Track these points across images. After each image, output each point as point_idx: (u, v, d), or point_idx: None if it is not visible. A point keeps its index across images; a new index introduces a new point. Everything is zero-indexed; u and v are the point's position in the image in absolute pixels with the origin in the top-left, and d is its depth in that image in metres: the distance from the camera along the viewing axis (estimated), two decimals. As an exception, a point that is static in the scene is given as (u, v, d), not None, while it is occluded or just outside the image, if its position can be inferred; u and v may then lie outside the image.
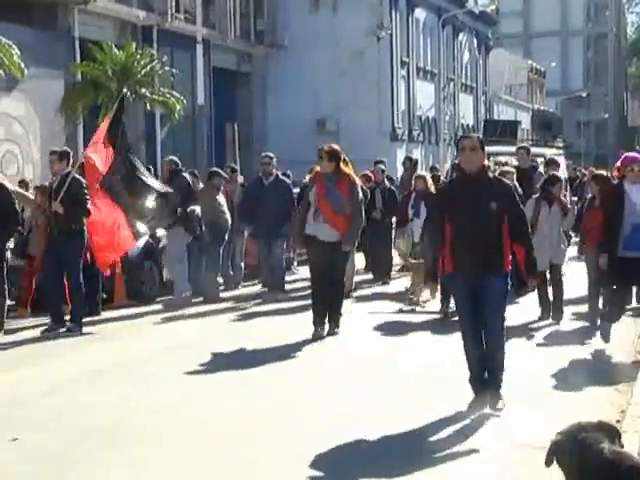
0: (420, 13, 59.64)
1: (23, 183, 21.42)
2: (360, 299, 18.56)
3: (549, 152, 25.72)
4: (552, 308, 15.38)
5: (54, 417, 9.97)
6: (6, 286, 15.44)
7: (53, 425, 9.65)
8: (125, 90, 24.85)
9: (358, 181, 14.93)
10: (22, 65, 27.48)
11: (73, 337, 15.06)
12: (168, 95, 35.52)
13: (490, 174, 9.98)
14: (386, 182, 21.37)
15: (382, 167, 22.20)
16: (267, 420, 9.67)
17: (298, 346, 13.66)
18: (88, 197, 15.35)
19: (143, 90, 34.70)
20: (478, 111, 71.09)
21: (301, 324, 14.73)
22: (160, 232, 19.13)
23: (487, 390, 9.75)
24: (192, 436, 9.08)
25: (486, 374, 9.81)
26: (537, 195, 15.35)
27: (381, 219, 20.36)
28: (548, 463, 5.67)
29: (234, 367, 12.29)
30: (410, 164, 24.29)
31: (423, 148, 58.27)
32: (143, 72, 34.64)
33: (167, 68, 36.15)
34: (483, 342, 9.75)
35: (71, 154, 16.13)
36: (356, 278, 19.26)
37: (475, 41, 70.87)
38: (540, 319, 15.39)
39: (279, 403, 10.43)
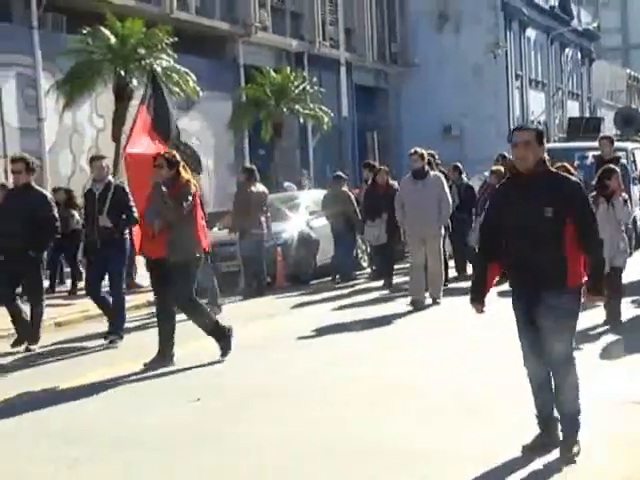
0: (531, 32, 59.00)
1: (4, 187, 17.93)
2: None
3: (631, 146, 24.06)
4: (608, 313, 11.99)
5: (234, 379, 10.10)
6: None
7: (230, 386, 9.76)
8: (155, 67, 24.16)
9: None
10: (197, 89, 27.97)
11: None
12: (317, 110, 35.79)
13: (552, 169, 6.91)
14: (464, 179, 19.52)
15: (457, 164, 19.96)
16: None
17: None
18: (133, 204, 12.46)
19: (297, 106, 35.10)
20: (583, 114, 69.96)
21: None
22: (316, 224, 19.40)
23: (555, 431, 6.87)
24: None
25: (555, 412, 6.87)
26: (594, 192, 11.93)
27: (458, 214, 17.51)
28: None
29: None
30: (503, 161, 22.69)
31: (536, 148, 57.40)
32: (296, 91, 35.02)
33: (316, 87, 36.42)
34: (546, 371, 6.84)
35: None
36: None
37: (579, 54, 69.91)
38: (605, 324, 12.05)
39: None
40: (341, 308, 15.23)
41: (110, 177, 13.37)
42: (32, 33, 28.27)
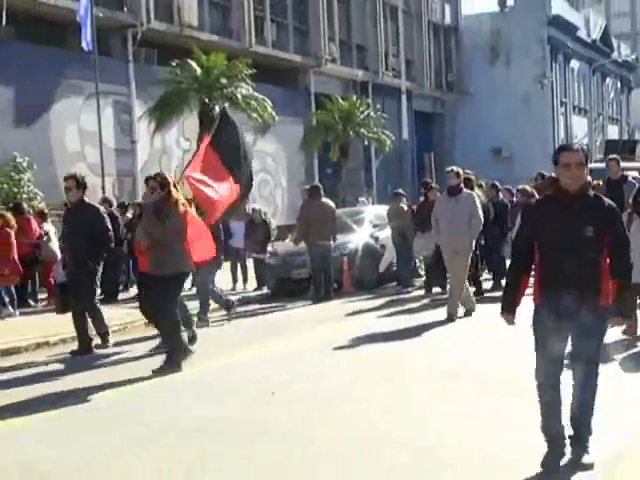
0: (574, 63, 58.50)
1: (107, 201, 18.38)
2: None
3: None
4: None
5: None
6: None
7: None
8: (227, 104, 24.02)
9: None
10: (273, 114, 28.13)
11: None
12: (380, 133, 35.81)
13: (590, 192, 6.22)
14: (500, 196, 18.15)
15: (494, 183, 18.80)
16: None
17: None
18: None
19: (362, 130, 35.13)
20: (622, 137, 69.23)
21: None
22: (379, 235, 19.38)
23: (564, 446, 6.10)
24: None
25: (570, 430, 6.10)
26: (629, 209, 11.22)
27: (492, 228, 16.69)
28: None
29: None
30: (542, 179, 21.28)
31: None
32: (361, 117, 35.05)
33: (379, 113, 36.38)
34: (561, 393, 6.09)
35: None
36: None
37: (619, 83, 69.25)
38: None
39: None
40: (395, 314, 14.96)
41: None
42: (128, 66, 28.70)
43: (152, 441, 7.31)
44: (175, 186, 10.66)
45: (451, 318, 13.44)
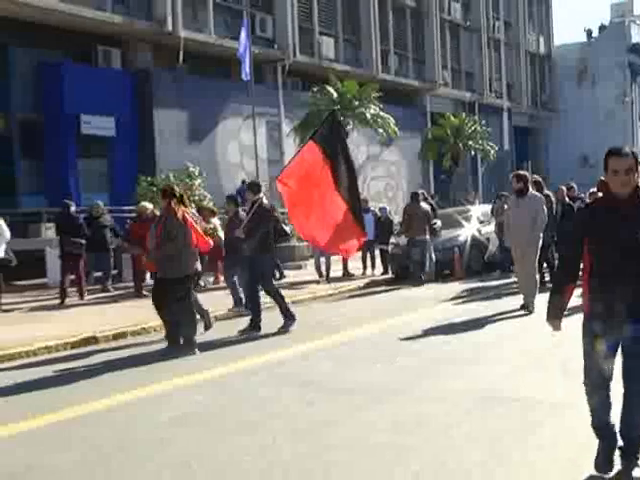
0: (652, 83, 56.79)
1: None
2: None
3: None
4: None
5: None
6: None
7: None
8: (337, 107, 23.46)
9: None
10: (396, 129, 27.97)
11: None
12: (485, 145, 35.31)
13: None
14: (566, 199, 16.59)
15: (561, 187, 17.49)
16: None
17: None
18: (271, 219, 11.34)
19: (470, 142, 34.68)
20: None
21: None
22: (485, 230, 18.99)
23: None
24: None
25: (620, 441, 4.82)
26: None
27: (562, 228, 15.47)
28: None
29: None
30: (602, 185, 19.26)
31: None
32: (469, 131, 34.60)
33: (484, 128, 35.81)
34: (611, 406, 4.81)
35: (261, 186, 11.71)
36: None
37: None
38: None
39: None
40: (488, 298, 14.41)
41: (260, 195, 11.40)
42: (278, 92, 28.89)
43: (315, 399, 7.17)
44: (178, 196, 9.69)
45: (528, 309, 12.10)
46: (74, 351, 10.07)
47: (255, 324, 11.05)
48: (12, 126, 21.99)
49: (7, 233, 13.05)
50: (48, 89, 22.22)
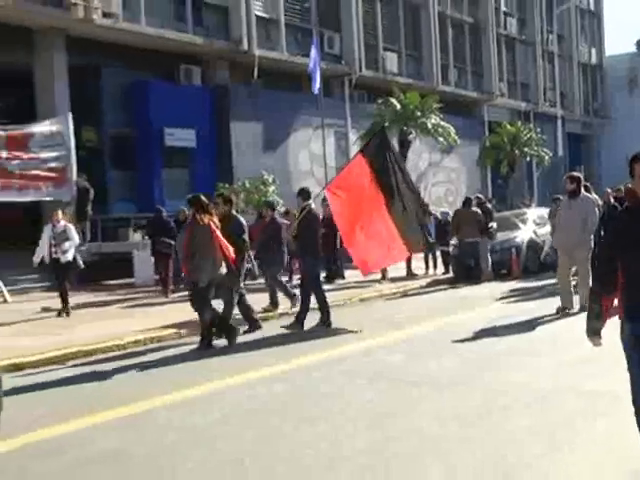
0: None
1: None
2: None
3: None
4: None
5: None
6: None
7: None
8: (387, 124, 23.71)
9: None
10: (456, 138, 27.65)
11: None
12: (540, 151, 34.68)
13: None
14: (612, 200, 15.44)
15: (607, 189, 17.09)
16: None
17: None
18: (319, 226, 11.26)
19: (525, 149, 34.04)
20: None
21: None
22: (540, 231, 18.61)
23: None
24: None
25: None
26: None
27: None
28: None
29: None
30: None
31: None
32: (525, 138, 33.98)
33: (539, 135, 35.14)
34: None
35: (310, 193, 11.42)
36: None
37: None
38: None
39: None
40: (543, 297, 13.98)
41: (310, 202, 11.30)
42: (345, 105, 28.92)
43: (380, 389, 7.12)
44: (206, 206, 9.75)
45: (562, 311, 11.51)
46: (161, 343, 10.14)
47: (325, 320, 11.05)
48: (104, 140, 22.44)
49: (76, 238, 13.10)
50: (137, 105, 22.63)
